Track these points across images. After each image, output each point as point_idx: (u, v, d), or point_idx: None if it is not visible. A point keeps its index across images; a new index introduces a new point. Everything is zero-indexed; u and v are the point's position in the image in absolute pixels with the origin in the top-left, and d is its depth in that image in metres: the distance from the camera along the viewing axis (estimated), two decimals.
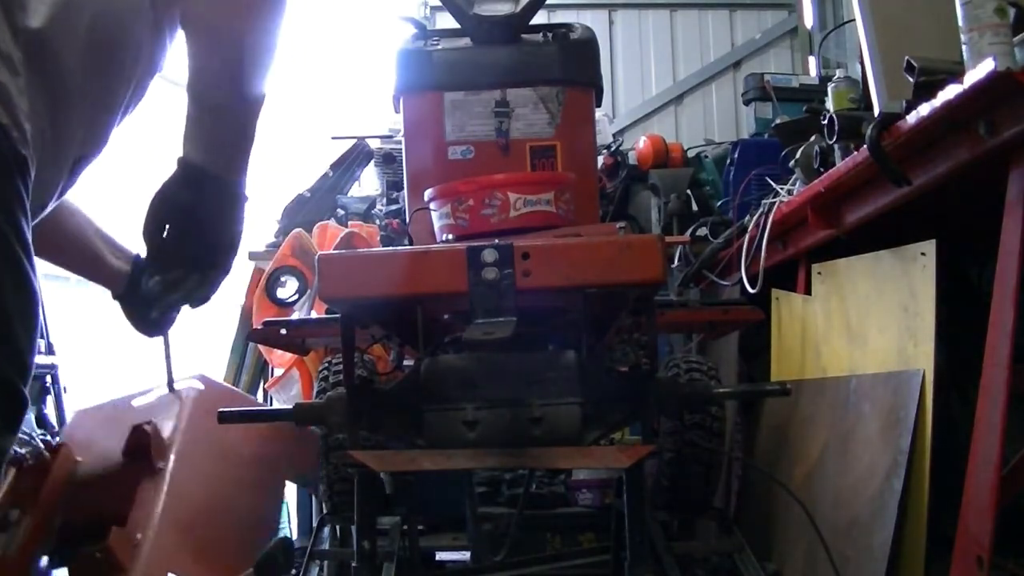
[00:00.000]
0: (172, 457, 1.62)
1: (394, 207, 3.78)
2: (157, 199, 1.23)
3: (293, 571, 2.36)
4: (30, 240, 1.00)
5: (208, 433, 1.76)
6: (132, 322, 1.80)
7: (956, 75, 1.71)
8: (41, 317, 1.04)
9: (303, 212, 3.76)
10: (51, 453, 1.60)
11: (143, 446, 1.61)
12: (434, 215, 2.11)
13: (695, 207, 3.70)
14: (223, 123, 1.23)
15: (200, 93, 1.21)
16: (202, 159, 1.21)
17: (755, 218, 2.79)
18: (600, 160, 3.78)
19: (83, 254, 1.69)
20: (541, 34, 2.47)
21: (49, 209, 1.19)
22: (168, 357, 2.07)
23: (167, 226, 1.24)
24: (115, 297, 1.77)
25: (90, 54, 1.12)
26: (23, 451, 1.66)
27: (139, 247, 1.42)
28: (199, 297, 1.32)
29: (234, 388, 2.37)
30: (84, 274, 1.73)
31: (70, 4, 1.09)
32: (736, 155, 3.47)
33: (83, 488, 1.54)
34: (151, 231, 1.25)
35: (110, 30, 1.15)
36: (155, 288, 1.34)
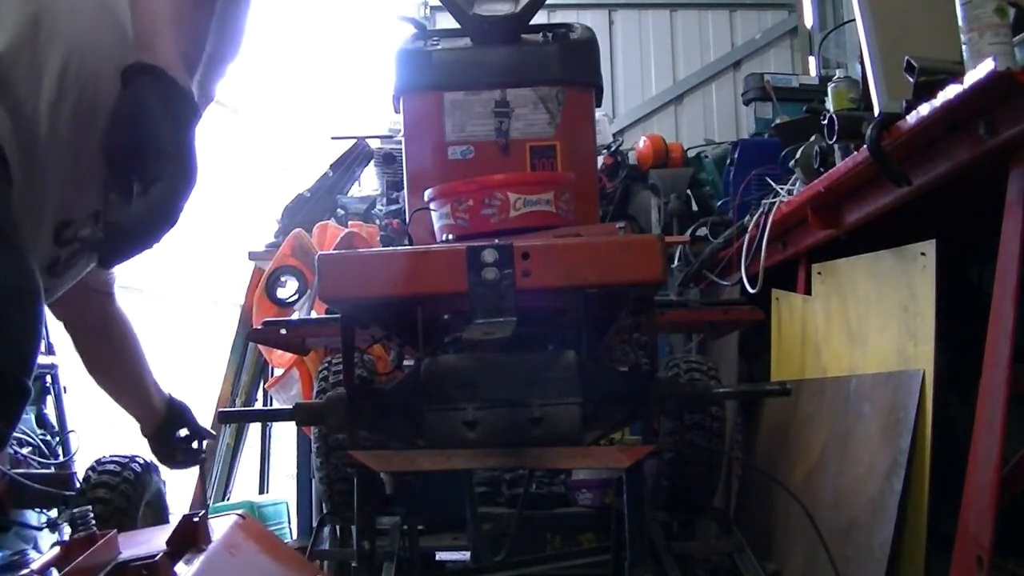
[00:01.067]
0: (213, 546, 1.66)
1: (394, 207, 3.78)
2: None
3: None
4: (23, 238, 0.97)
5: (244, 549, 1.81)
6: (160, 459, 1.93)
7: (956, 75, 1.71)
8: (43, 309, 0.99)
9: (303, 212, 3.76)
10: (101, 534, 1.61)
11: (189, 534, 1.62)
12: (434, 215, 2.11)
13: (695, 207, 3.70)
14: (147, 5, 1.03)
15: None
16: (133, 55, 1.02)
17: (755, 218, 2.79)
18: (600, 160, 3.78)
19: (135, 395, 1.82)
20: (541, 34, 2.46)
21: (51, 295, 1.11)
22: (204, 487, 2.13)
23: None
24: (144, 434, 1.88)
25: (66, 94, 1.03)
26: (78, 520, 1.68)
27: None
28: (149, 223, 1.00)
29: (271, 532, 2.43)
30: (126, 407, 1.84)
31: (39, 27, 1.00)
32: (736, 155, 3.47)
33: (125, 564, 1.56)
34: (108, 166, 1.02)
35: (88, 69, 1.05)
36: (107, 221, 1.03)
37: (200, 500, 2.16)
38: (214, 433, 1.99)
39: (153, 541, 1.66)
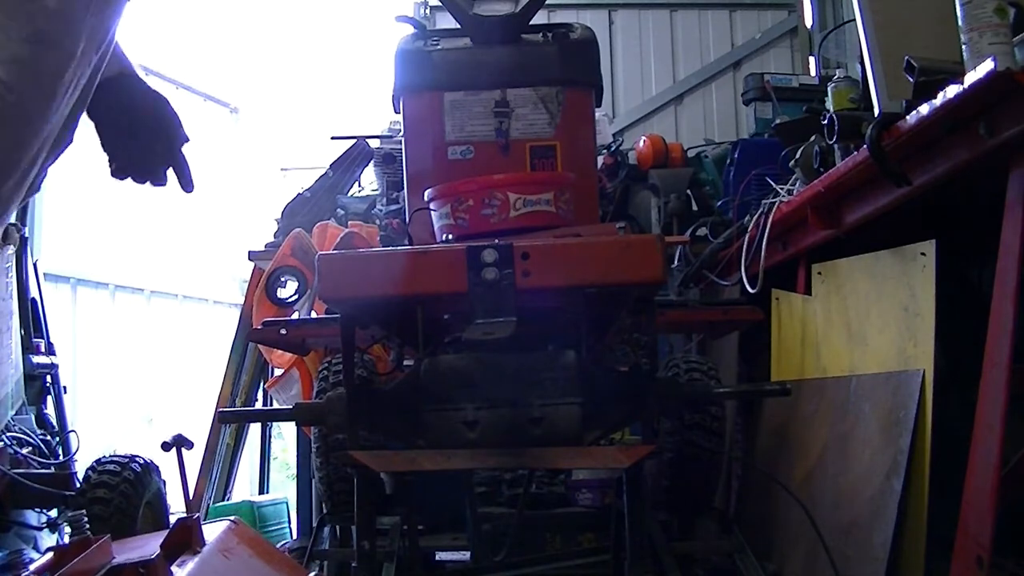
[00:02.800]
0: (206, 549, 1.66)
1: (394, 207, 3.78)
2: None
3: None
4: None
5: (237, 552, 1.83)
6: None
7: (956, 75, 1.71)
8: None
9: (303, 212, 3.76)
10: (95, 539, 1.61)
11: (184, 537, 1.63)
12: (434, 215, 2.11)
13: (695, 207, 3.70)
14: None
15: None
16: None
17: (755, 218, 2.79)
18: (600, 160, 3.78)
19: None
20: (541, 34, 2.46)
21: None
22: (184, 483, 2.11)
23: None
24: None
25: None
26: (73, 523, 1.68)
27: None
28: None
29: (263, 536, 2.42)
30: None
31: None
32: (736, 155, 3.47)
33: (121, 566, 1.56)
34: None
35: None
36: None
37: (195, 503, 2.14)
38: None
39: (147, 547, 1.67)
